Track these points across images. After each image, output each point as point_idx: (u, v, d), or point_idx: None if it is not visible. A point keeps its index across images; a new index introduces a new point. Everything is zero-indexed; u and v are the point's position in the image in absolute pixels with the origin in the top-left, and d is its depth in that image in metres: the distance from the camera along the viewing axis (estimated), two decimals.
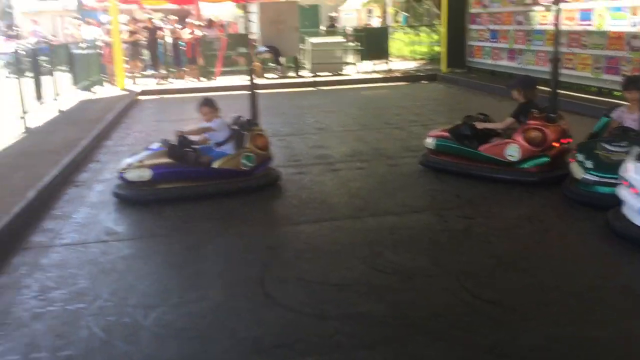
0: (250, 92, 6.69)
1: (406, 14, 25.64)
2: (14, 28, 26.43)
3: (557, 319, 3.30)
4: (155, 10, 21.71)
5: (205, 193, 5.65)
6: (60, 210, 5.46)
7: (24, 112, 8.72)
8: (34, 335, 3.29)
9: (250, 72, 7.12)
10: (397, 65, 17.47)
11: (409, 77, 15.28)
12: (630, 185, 4.15)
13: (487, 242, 4.46)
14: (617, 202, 4.34)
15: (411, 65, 17.86)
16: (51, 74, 10.88)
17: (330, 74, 15.65)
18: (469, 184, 5.77)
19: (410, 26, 22.69)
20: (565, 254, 4.24)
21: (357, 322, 3.31)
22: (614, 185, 4.45)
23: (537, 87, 6.03)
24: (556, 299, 3.53)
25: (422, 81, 14.89)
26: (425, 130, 7.25)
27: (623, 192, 4.24)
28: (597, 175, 4.84)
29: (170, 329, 3.32)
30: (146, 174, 5.58)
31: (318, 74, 15.62)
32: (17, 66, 9.50)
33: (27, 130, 8.69)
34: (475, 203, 5.31)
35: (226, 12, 26.32)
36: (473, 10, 14.56)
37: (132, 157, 5.82)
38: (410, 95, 12.63)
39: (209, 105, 5.85)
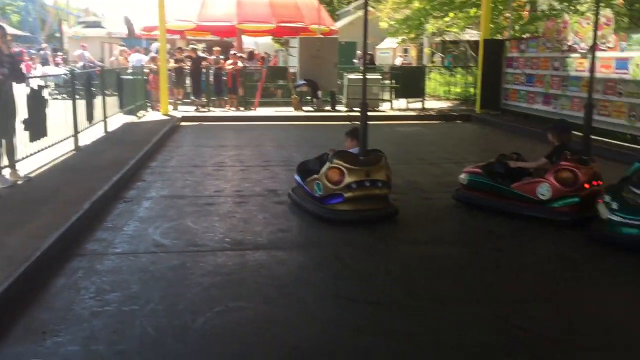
0: (362, 123, 6.39)
1: (450, 55, 26.11)
2: (59, 53, 27.64)
3: (584, 348, 3.46)
4: (199, 41, 22.58)
5: None
6: (112, 223, 5.80)
7: (76, 132, 9.20)
8: (92, 330, 3.58)
9: (364, 105, 6.54)
10: (431, 104, 17.78)
11: (443, 116, 15.55)
12: None
13: (518, 276, 4.62)
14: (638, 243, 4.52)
15: (445, 105, 18.15)
16: (101, 97, 11.44)
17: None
18: (500, 220, 5.95)
19: (446, 67, 23.07)
20: (594, 290, 4.39)
21: (391, 339, 3.52)
22: (638, 227, 4.61)
23: (572, 131, 6.23)
24: (584, 330, 3.69)
25: (457, 121, 15.14)
26: (459, 168, 7.46)
27: None
28: (621, 217, 5.00)
29: (215, 333, 3.58)
30: None
31: (354, 108, 15.99)
32: (69, 88, 10.07)
33: (77, 148, 9.16)
34: (506, 238, 5.49)
35: (265, 46, 27.16)
36: (510, 54, 14.84)
37: None
38: (444, 133, 12.88)
39: (353, 135, 6.38)
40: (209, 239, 5.38)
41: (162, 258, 4.86)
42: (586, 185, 5.72)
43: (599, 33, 10.29)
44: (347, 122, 14.76)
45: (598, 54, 10.37)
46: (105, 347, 3.39)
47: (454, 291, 4.28)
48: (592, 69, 6.31)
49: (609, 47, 10.93)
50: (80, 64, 23.29)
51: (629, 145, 10.02)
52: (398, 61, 27.89)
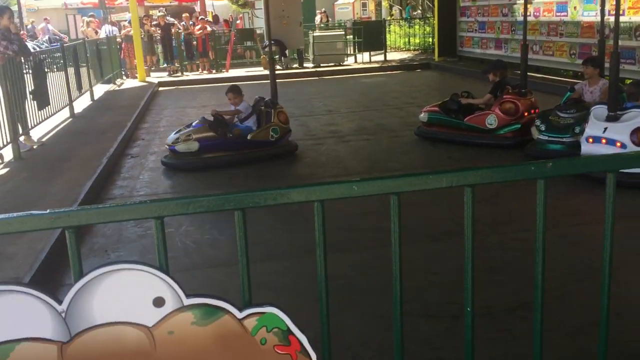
0: (271, 80, 7.85)
1: (409, 8, 26.93)
2: (19, 26, 27.54)
3: (516, 231, 4.61)
4: (157, 7, 22.92)
5: (242, 160, 6.92)
6: (128, 174, 6.75)
7: (71, 100, 9.97)
8: (144, 246, 4.60)
9: (272, 62, 8.33)
10: (393, 55, 18.76)
11: (405, 66, 16.60)
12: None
13: None
14: (561, 156, 5.74)
15: (406, 55, 19.16)
16: (86, 68, 12.12)
17: (331, 64, 16.93)
18: (456, 148, 7.09)
19: (404, 19, 23.97)
20: (531, 193, 5.56)
21: (377, 231, 4.63)
22: (560, 143, 5.83)
23: (507, 69, 7.42)
24: (518, 217, 4.85)
25: (417, 69, 16.20)
26: (421, 110, 8.55)
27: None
28: (547, 136, 6.18)
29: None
30: (194, 146, 6.84)
31: (321, 64, 16.89)
32: (57, 60, 10.74)
33: (73, 115, 9.95)
34: (463, 162, 6.63)
35: (222, 8, 27.36)
36: (463, 4, 15.86)
37: (176, 132, 7.05)
38: (406, 81, 13.94)
39: (234, 92, 7.18)
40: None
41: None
42: (525, 114, 6.87)
43: None
44: (315, 77, 15.73)
45: None
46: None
47: (421, 199, 5.39)
48: (525, 14, 7.44)
49: None
50: (45, 37, 23.49)
51: (570, 80, 11.22)
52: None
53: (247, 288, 1.56)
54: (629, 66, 9.76)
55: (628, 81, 8.53)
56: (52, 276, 4.08)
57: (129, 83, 15.09)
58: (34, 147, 7.57)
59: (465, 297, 1.78)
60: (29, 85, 7.88)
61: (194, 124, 7.18)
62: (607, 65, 6.36)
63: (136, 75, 15.55)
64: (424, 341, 3.09)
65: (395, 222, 1.65)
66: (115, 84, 14.66)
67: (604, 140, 5.51)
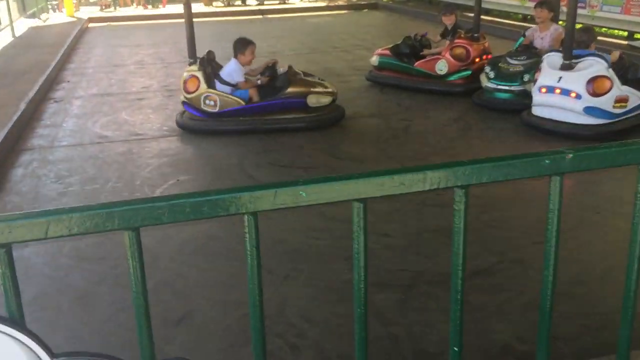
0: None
1: None
2: None
3: None
4: None
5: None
6: (50, 121, 6.12)
7: None
8: (65, 206, 4.09)
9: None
10: None
11: (352, 6, 15.98)
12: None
13: (423, 138, 5.48)
14: (509, 105, 5.55)
15: None
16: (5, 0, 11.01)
17: (276, 2, 16.13)
18: (407, 95, 6.75)
19: None
20: (483, 143, 5.33)
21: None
22: (508, 91, 5.58)
23: (463, 12, 7.00)
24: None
25: (364, 10, 15.63)
26: (369, 53, 8.12)
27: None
28: (495, 83, 5.92)
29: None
30: None
31: (265, 2, 16.06)
32: None
33: None
34: (412, 109, 6.32)
35: None
36: None
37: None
38: (354, 22, 13.40)
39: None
40: (147, 128, 5.85)
41: (108, 147, 5.32)
42: (477, 60, 6.56)
43: None
44: (259, 16, 14.95)
45: None
46: None
47: (370, 153, 5.08)
48: None
49: None
50: None
51: (521, 24, 10.98)
52: None
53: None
54: (580, 10, 9.55)
55: (578, 26, 8.33)
56: None
57: (55, 18, 13.91)
58: None
59: (450, 335, 1.32)
60: None
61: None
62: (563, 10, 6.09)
63: (64, 9, 14.35)
64: (374, 315, 2.81)
65: (360, 236, 1.18)
66: (40, 18, 13.48)
67: (557, 90, 5.28)
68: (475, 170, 1.12)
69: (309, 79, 5.79)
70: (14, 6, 11.83)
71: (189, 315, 2.84)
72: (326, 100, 5.65)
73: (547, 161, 1.16)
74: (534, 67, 5.69)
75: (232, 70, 5.63)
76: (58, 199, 4.20)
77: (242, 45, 5.62)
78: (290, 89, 5.54)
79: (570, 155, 1.16)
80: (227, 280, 3.10)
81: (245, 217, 1.09)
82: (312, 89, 5.61)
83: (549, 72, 5.36)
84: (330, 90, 5.73)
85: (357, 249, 1.15)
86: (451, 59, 6.54)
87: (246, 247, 1.12)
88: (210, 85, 5.56)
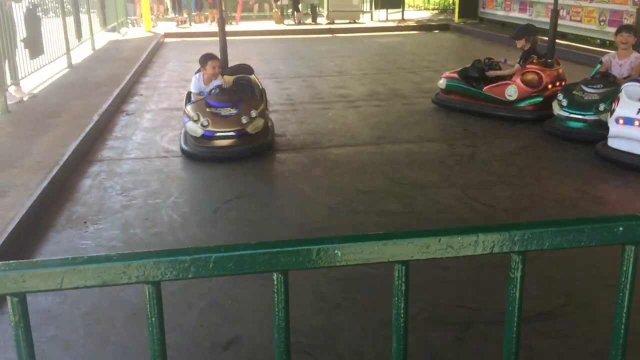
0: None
1: None
2: None
3: (539, 218, 4.17)
4: None
5: None
6: (120, 133, 6.32)
7: (68, 49, 9.46)
8: (127, 219, 4.20)
9: (222, 20, 7.17)
10: (411, 14, 17.97)
11: (423, 27, 15.85)
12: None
13: (488, 165, 5.30)
14: (582, 135, 5.38)
15: (424, 15, 18.35)
16: (87, 15, 11.55)
17: (346, 22, 16.22)
18: (474, 120, 6.57)
19: None
20: (553, 174, 5.09)
21: (380, 216, 4.20)
22: (581, 121, 5.32)
23: (537, 35, 6.75)
24: (540, 204, 4.40)
25: (435, 31, 15.47)
26: (437, 75, 7.99)
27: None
28: (568, 112, 5.65)
29: (230, 218, 4.21)
30: None
31: (335, 21, 16.18)
32: (54, 5, 10.17)
33: (70, 65, 9.46)
34: (479, 135, 6.13)
35: None
36: None
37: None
38: (424, 43, 13.27)
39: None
40: None
41: (173, 161, 5.43)
42: (550, 86, 6.31)
43: None
44: (329, 35, 15.07)
45: None
46: (141, 230, 4.02)
47: (432, 179, 4.95)
48: None
49: None
50: None
51: (599, 49, 10.55)
52: None
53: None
54: None
55: None
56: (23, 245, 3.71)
57: (134, 33, 14.51)
58: (24, 98, 7.13)
59: None
60: (21, 32, 7.38)
61: None
62: None
63: (142, 24, 14.95)
64: (428, 354, 2.70)
65: (401, 302, 1.10)
66: (119, 32, 14.08)
67: (637, 123, 4.99)
68: (535, 235, 0.99)
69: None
70: (95, 20, 12.41)
71: (237, 340, 2.81)
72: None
73: (620, 228, 1.01)
74: (611, 97, 5.41)
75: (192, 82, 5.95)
76: (121, 212, 4.29)
77: (203, 60, 5.82)
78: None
79: None
80: None
81: (275, 275, 1.02)
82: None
83: (628, 102, 5.08)
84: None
85: (396, 315, 1.06)
86: (522, 84, 6.33)
87: (274, 307, 1.05)
88: None
